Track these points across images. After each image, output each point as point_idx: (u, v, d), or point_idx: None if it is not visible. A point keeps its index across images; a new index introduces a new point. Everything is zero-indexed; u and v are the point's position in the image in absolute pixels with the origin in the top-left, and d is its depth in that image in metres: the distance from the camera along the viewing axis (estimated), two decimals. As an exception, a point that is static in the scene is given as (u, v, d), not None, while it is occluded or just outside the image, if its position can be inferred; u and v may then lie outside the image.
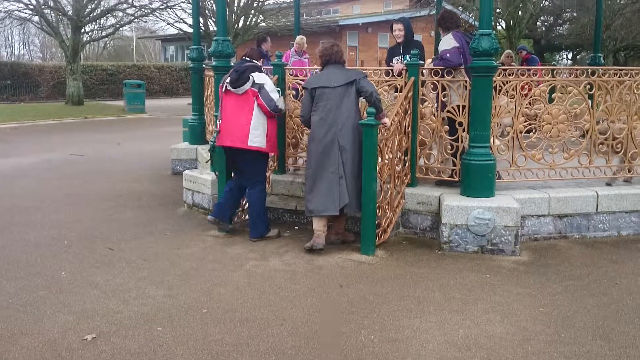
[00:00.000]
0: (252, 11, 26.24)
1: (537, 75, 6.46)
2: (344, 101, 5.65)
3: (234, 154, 6.08)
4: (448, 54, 6.05)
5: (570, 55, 40.13)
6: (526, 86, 6.49)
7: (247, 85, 5.89)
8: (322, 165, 5.62)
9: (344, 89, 5.67)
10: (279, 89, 6.35)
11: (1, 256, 5.62)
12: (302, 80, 6.79)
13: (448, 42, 6.15)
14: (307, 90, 5.84)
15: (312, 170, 5.70)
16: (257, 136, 5.90)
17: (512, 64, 11.67)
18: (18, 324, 4.15)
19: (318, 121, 5.69)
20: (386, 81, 6.43)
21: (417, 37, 7.18)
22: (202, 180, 7.22)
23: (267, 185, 6.58)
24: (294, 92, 7.11)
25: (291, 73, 7.19)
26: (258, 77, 5.96)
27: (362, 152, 5.50)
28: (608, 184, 6.50)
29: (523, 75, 6.20)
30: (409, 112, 6.17)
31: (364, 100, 5.85)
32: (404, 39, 6.82)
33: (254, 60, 6.17)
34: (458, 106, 6.08)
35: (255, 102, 5.90)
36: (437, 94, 6.22)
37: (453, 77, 6.09)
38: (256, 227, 6.12)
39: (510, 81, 6.06)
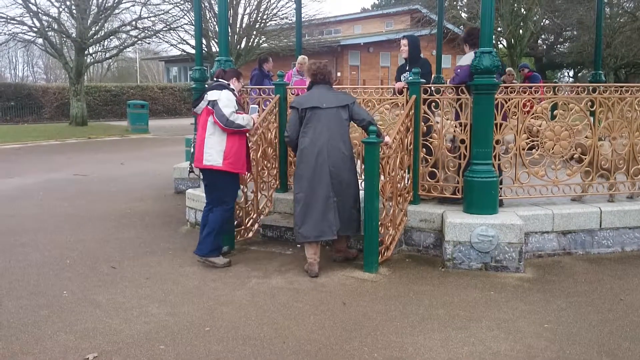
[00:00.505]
0: (255, 32, 26.45)
1: (539, 93, 6.47)
2: (334, 123, 5.55)
3: (203, 174, 6.10)
4: (459, 70, 6.05)
5: (571, 73, 40.31)
6: (528, 103, 6.49)
7: (203, 104, 5.88)
8: (314, 189, 5.48)
9: (335, 112, 5.57)
10: (256, 106, 6.38)
11: (3, 276, 5.61)
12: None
13: (467, 59, 6.09)
14: (296, 110, 5.69)
15: (304, 194, 5.53)
16: (211, 154, 5.76)
17: (514, 81, 11.72)
18: (19, 344, 4.13)
19: (309, 143, 5.53)
20: (388, 99, 6.46)
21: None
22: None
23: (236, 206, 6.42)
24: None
25: (293, 92, 7.22)
26: (212, 94, 5.84)
27: (365, 171, 5.53)
28: (610, 201, 6.49)
29: (525, 92, 6.22)
30: (410, 129, 6.19)
31: (359, 126, 5.87)
32: (408, 55, 6.82)
33: (220, 80, 6.08)
34: (460, 123, 6.10)
35: (211, 119, 5.80)
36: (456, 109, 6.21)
37: (456, 94, 6.11)
38: (203, 244, 5.88)
39: (512, 98, 6.07)
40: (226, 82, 6.06)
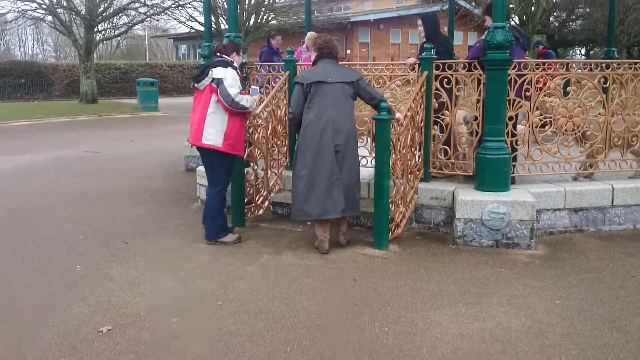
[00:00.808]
0: (263, 9, 26.23)
1: (552, 69, 6.39)
2: (340, 99, 5.41)
3: (201, 153, 5.93)
4: (477, 44, 5.98)
5: (583, 51, 39.79)
6: (541, 80, 6.43)
7: (207, 81, 5.64)
8: (318, 166, 5.35)
9: (341, 87, 5.43)
10: (256, 87, 6.15)
11: (17, 251, 5.67)
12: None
13: None
14: (300, 86, 5.48)
15: (307, 170, 5.39)
16: (211, 134, 5.61)
17: (526, 57, 11.58)
18: (34, 316, 4.18)
19: (313, 119, 5.38)
20: (399, 76, 6.41)
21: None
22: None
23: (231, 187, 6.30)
24: None
25: (303, 69, 7.17)
26: (217, 71, 5.62)
27: (376, 148, 5.48)
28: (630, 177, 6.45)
29: (538, 68, 6.15)
30: (422, 106, 6.15)
31: (368, 104, 5.76)
32: (425, 34, 6.69)
33: (224, 56, 5.83)
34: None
35: (214, 97, 5.62)
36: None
37: (468, 70, 6.06)
38: (209, 229, 5.87)
39: (525, 74, 6.01)
40: (229, 59, 5.83)
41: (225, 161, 5.80)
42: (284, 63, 7.17)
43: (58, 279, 4.93)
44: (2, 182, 9.08)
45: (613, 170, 6.48)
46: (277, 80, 7.08)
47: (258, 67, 7.92)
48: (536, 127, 6.11)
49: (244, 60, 7.34)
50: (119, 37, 37.97)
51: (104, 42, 35.67)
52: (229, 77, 5.62)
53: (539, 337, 3.86)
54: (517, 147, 6.18)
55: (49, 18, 26.59)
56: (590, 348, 3.71)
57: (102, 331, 3.95)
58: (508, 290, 4.65)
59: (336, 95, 5.40)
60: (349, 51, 34.39)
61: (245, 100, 5.66)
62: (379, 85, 6.32)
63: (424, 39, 6.67)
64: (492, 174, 5.81)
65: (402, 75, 6.39)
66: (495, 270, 5.10)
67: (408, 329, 4.00)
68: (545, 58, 11.95)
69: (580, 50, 41.90)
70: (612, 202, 6.15)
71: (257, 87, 6.26)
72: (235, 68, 5.78)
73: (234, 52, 5.94)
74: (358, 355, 3.63)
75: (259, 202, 6.69)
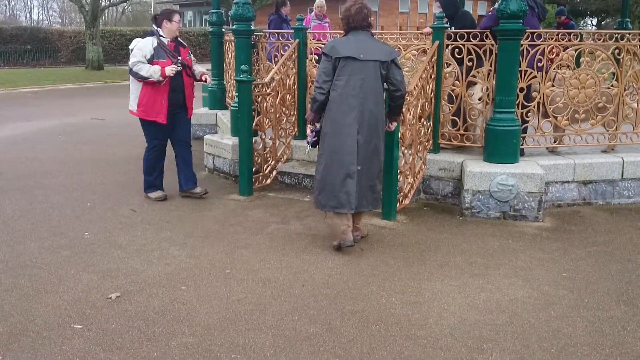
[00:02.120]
0: (272, -25, 25.91)
1: (566, 40, 6.29)
2: (371, 80, 4.70)
3: None
4: (490, 13, 5.89)
5: (595, 22, 39.21)
6: (554, 50, 6.33)
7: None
8: (338, 153, 4.74)
9: (373, 66, 4.70)
10: (180, 61, 6.00)
11: (25, 217, 5.69)
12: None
13: None
14: (329, 59, 4.73)
15: (325, 157, 4.81)
16: (131, 100, 6.08)
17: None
18: (42, 283, 4.22)
19: (338, 99, 4.69)
20: (414, 45, 6.34)
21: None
22: (223, 145, 7.22)
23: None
24: (316, 57, 7.03)
25: (314, 37, 7.10)
26: (133, 42, 6.03)
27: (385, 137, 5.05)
28: None
29: (551, 39, 6.05)
30: (432, 77, 6.08)
31: (389, 88, 4.89)
32: (445, 14, 6.51)
33: (153, 26, 6.15)
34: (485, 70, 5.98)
35: None
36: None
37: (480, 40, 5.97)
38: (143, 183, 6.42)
39: (538, 45, 5.91)
40: (155, 28, 6.06)
41: (145, 125, 6.19)
42: (293, 31, 7.08)
43: (67, 245, 4.96)
44: (12, 148, 9.09)
45: (624, 143, 6.42)
46: (287, 48, 7.01)
47: (267, 34, 7.83)
48: (547, 98, 6.05)
49: (252, 28, 7.28)
50: (125, 3, 37.65)
51: (110, 8, 35.32)
52: (135, 48, 5.94)
53: (545, 309, 3.87)
54: (528, 119, 6.12)
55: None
56: (597, 320, 3.72)
57: (111, 298, 3.98)
58: (515, 262, 4.66)
59: (367, 75, 4.68)
60: (357, 20, 33.93)
61: (145, 70, 5.83)
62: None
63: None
64: (502, 146, 5.77)
65: (417, 45, 6.30)
66: (502, 242, 5.10)
67: (415, 299, 4.02)
68: (567, 29, 11.69)
69: (591, 21, 41.28)
70: (622, 175, 6.11)
71: (174, 67, 5.94)
72: (160, 37, 6.00)
73: (165, 20, 6.06)
74: (365, 324, 3.65)
75: (266, 171, 6.68)
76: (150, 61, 5.87)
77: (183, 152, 6.36)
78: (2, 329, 3.56)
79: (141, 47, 5.92)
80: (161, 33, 6.03)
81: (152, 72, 5.85)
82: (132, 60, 5.88)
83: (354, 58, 4.67)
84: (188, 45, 6.56)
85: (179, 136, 6.30)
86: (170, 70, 5.86)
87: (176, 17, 6.10)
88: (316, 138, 4.92)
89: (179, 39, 6.20)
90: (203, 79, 6.30)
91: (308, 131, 4.99)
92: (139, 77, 5.87)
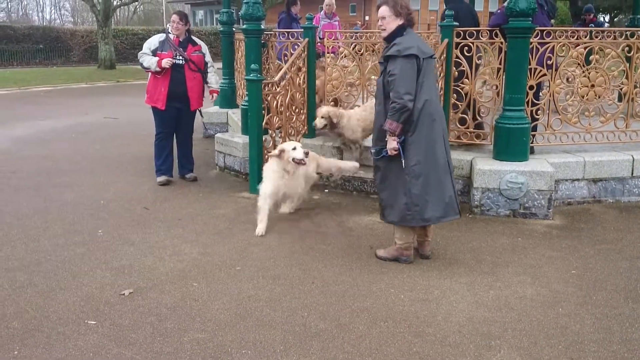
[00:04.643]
0: (282, -26, 25.94)
1: (575, 37, 6.27)
2: (435, 78, 4.50)
3: None
4: (499, 11, 5.90)
5: (607, 18, 38.90)
6: (564, 48, 6.32)
7: None
8: (435, 160, 4.36)
9: (434, 63, 4.55)
10: (178, 55, 6.64)
11: (40, 215, 5.78)
12: (333, 43, 6.72)
13: None
14: (416, 60, 4.21)
15: (422, 165, 4.33)
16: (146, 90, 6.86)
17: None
18: (57, 279, 4.29)
19: (424, 102, 4.26)
20: (434, 43, 6.38)
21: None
22: (234, 144, 7.28)
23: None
24: (332, 56, 7.08)
25: (322, 36, 7.13)
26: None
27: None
28: None
29: (561, 37, 6.05)
30: (441, 75, 6.09)
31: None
32: (445, 5, 6.59)
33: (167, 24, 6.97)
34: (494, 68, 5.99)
35: None
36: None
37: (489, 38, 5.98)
38: None
39: (547, 42, 5.92)
40: (167, 26, 6.91)
41: (153, 113, 6.86)
42: (302, 30, 7.12)
43: (80, 243, 5.04)
44: (25, 146, 9.20)
45: (634, 140, 6.40)
46: (296, 47, 7.04)
47: (276, 33, 7.87)
48: (557, 95, 6.05)
49: (262, 27, 7.32)
50: (137, 3, 37.83)
51: (121, 7, 35.51)
52: (146, 42, 6.76)
53: (554, 306, 3.89)
54: (537, 116, 6.13)
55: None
56: (605, 318, 3.74)
57: (124, 294, 4.05)
58: (524, 260, 4.68)
59: (435, 73, 4.43)
60: (367, 17, 33.96)
61: (146, 61, 6.58)
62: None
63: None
64: (511, 144, 5.78)
65: (437, 43, 6.32)
66: (511, 239, 5.12)
67: (424, 296, 4.05)
68: (596, 26, 11.55)
69: (604, 17, 40.97)
70: (632, 173, 6.10)
71: (169, 59, 6.58)
72: (168, 33, 6.77)
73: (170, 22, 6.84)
74: (374, 321, 3.69)
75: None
76: (154, 53, 6.58)
77: (182, 143, 7.12)
78: (18, 325, 3.63)
79: (149, 41, 6.75)
80: (169, 30, 6.82)
81: (151, 62, 6.56)
82: (140, 52, 6.68)
83: (432, 57, 4.40)
84: (204, 44, 7.04)
85: (182, 130, 7.01)
86: (165, 62, 6.51)
87: (173, 17, 6.89)
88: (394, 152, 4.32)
89: (192, 37, 6.90)
90: (210, 94, 7.18)
91: (394, 144, 4.27)
92: (143, 67, 6.69)
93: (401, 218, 4.45)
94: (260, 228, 5.22)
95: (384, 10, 4.34)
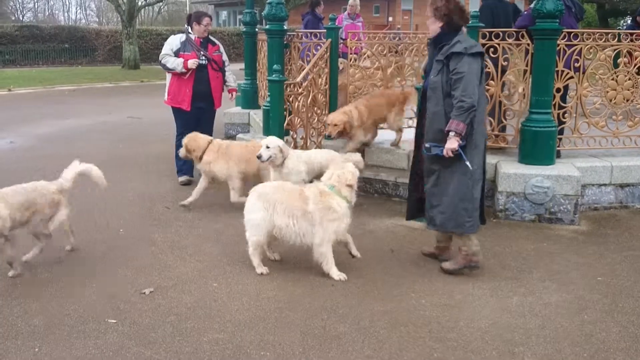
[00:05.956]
0: (305, -25, 25.97)
1: (603, 40, 6.15)
2: None
3: None
4: (526, 12, 5.82)
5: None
6: (591, 50, 6.21)
7: None
8: (481, 166, 4.36)
9: None
10: (202, 55, 6.64)
11: (63, 212, 5.81)
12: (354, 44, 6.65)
13: None
14: (480, 59, 4.15)
15: (481, 170, 4.34)
16: (166, 91, 6.83)
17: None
18: (78, 277, 4.32)
19: (482, 106, 4.24)
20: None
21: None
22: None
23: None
24: (355, 56, 7.05)
25: (345, 37, 7.11)
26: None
27: None
28: None
29: (588, 39, 5.94)
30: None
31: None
32: None
33: (186, 25, 6.91)
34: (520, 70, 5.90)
35: None
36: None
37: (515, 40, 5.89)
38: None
39: (574, 45, 5.81)
40: (186, 27, 6.81)
41: (175, 115, 6.92)
42: (325, 31, 7.09)
43: (102, 241, 5.06)
44: (50, 144, 9.30)
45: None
46: (319, 48, 7.02)
47: (300, 34, 7.86)
48: (585, 98, 5.94)
49: (285, 27, 7.31)
50: (161, 3, 38.14)
51: (146, 7, 35.83)
52: (166, 42, 6.73)
53: (579, 313, 3.81)
54: (564, 119, 6.02)
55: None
56: (631, 325, 3.65)
57: (144, 293, 4.05)
58: (549, 266, 4.59)
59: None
60: (390, 18, 33.82)
61: (171, 62, 6.55)
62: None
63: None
64: (537, 147, 5.68)
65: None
66: (536, 245, 5.03)
67: (446, 301, 3.99)
68: None
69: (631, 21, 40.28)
70: (661, 179, 5.97)
71: (196, 60, 6.59)
72: (189, 34, 6.69)
73: (194, 22, 6.72)
74: (394, 325, 3.64)
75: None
76: (177, 54, 6.55)
77: None
78: (39, 322, 3.65)
79: (170, 42, 6.69)
80: (190, 31, 6.73)
81: (176, 64, 6.54)
82: (162, 52, 6.64)
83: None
84: (220, 44, 7.10)
85: (203, 130, 6.74)
86: (192, 63, 6.51)
87: (204, 21, 6.72)
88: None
89: (210, 37, 6.84)
90: (229, 92, 7.18)
91: (455, 144, 4.06)
92: (166, 69, 6.60)
93: (458, 224, 4.27)
94: None
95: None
